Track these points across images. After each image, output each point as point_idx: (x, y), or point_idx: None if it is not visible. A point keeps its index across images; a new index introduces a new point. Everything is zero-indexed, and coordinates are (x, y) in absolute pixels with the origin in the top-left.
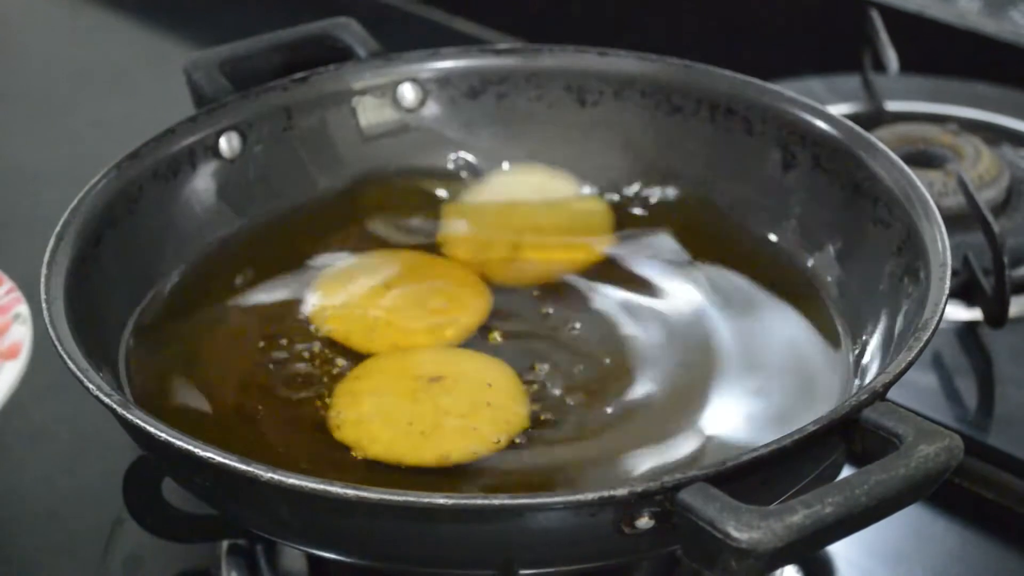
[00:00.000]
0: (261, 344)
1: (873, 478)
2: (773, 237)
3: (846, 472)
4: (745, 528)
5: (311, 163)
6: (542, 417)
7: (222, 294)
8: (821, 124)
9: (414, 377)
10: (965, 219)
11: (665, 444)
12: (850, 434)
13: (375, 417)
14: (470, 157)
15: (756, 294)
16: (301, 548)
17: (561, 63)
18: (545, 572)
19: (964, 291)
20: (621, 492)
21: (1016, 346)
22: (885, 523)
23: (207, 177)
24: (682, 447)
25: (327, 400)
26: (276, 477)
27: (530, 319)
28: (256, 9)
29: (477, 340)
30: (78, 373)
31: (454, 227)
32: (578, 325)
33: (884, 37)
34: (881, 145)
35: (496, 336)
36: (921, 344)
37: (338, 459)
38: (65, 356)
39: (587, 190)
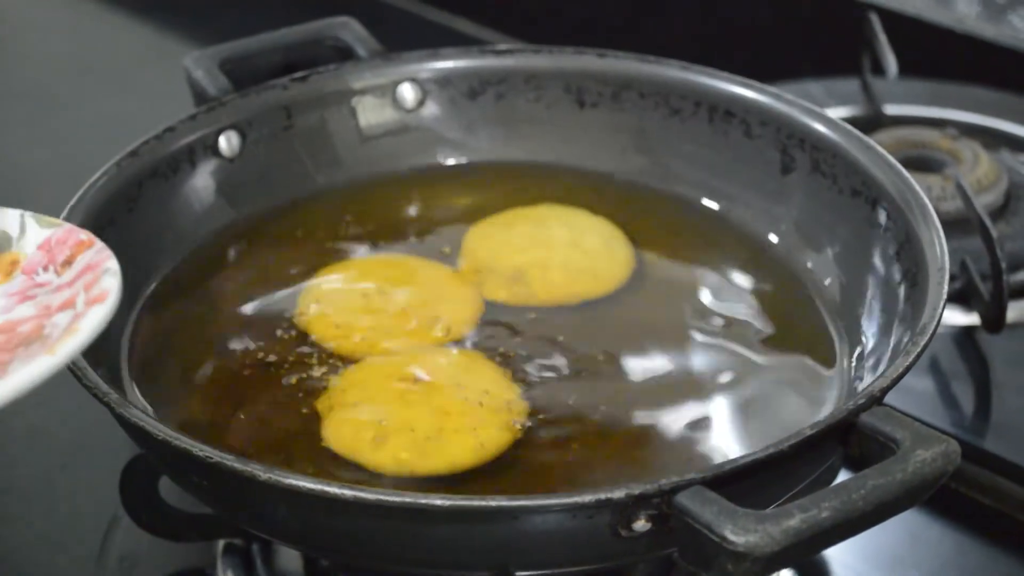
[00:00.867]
0: (254, 346)
1: (870, 483)
2: (772, 239)
3: (843, 476)
4: (742, 532)
5: (310, 162)
6: (540, 417)
7: (220, 293)
8: (820, 127)
9: (402, 379)
10: (963, 224)
11: (662, 447)
12: (847, 438)
13: (371, 425)
14: (470, 157)
15: (754, 296)
16: (297, 548)
17: (560, 64)
18: (541, 574)
19: (962, 296)
20: (618, 494)
21: (1013, 351)
22: (881, 528)
23: (207, 175)
24: (679, 450)
25: (318, 405)
26: (274, 477)
27: (520, 323)
28: (256, 8)
29: (467, 343)
30: (75, 371)
31: (468, 243)
32: (572, 326)
33: (883, 41)
34: (880, 149)
35: (487, 339)
36: (919, 349)
37: (332, 458)
38: None
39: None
